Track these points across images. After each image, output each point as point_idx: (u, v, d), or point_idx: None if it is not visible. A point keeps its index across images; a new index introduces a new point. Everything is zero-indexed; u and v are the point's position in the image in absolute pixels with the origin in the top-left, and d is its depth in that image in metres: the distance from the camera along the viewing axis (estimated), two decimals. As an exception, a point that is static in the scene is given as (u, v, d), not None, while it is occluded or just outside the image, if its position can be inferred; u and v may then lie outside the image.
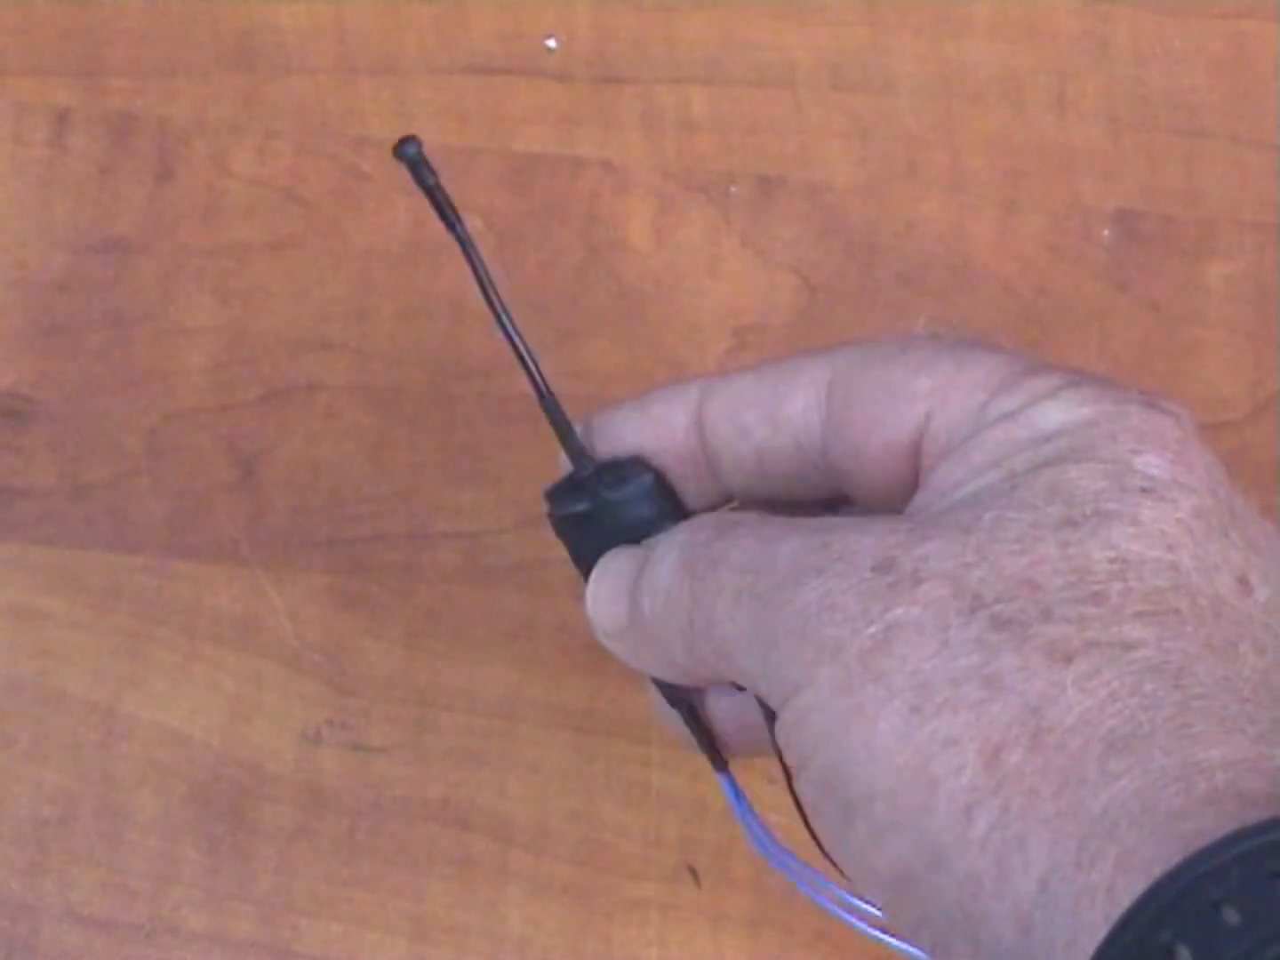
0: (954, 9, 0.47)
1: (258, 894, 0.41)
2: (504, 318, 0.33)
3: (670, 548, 0.30)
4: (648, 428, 0.33)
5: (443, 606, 0.43)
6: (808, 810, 0.27)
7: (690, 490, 0.33)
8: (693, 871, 0.42)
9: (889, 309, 0.45)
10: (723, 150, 0.46)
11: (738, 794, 0.33)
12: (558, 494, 0.34)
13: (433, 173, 0.32)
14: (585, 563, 0.33)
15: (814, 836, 0.28)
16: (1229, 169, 0.46)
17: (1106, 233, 0.46)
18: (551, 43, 0.47)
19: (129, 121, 0.46)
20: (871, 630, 0.26)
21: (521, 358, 0.33)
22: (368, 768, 0.42)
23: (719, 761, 0.34)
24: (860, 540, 0.27)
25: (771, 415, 0.31)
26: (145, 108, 0.46)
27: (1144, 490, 0.26)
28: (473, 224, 0.45)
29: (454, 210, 0.32)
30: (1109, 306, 0.45)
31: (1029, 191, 0.46)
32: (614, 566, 0.32)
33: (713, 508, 0.33)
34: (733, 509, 0.33)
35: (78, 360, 0.45)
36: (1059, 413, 0.28)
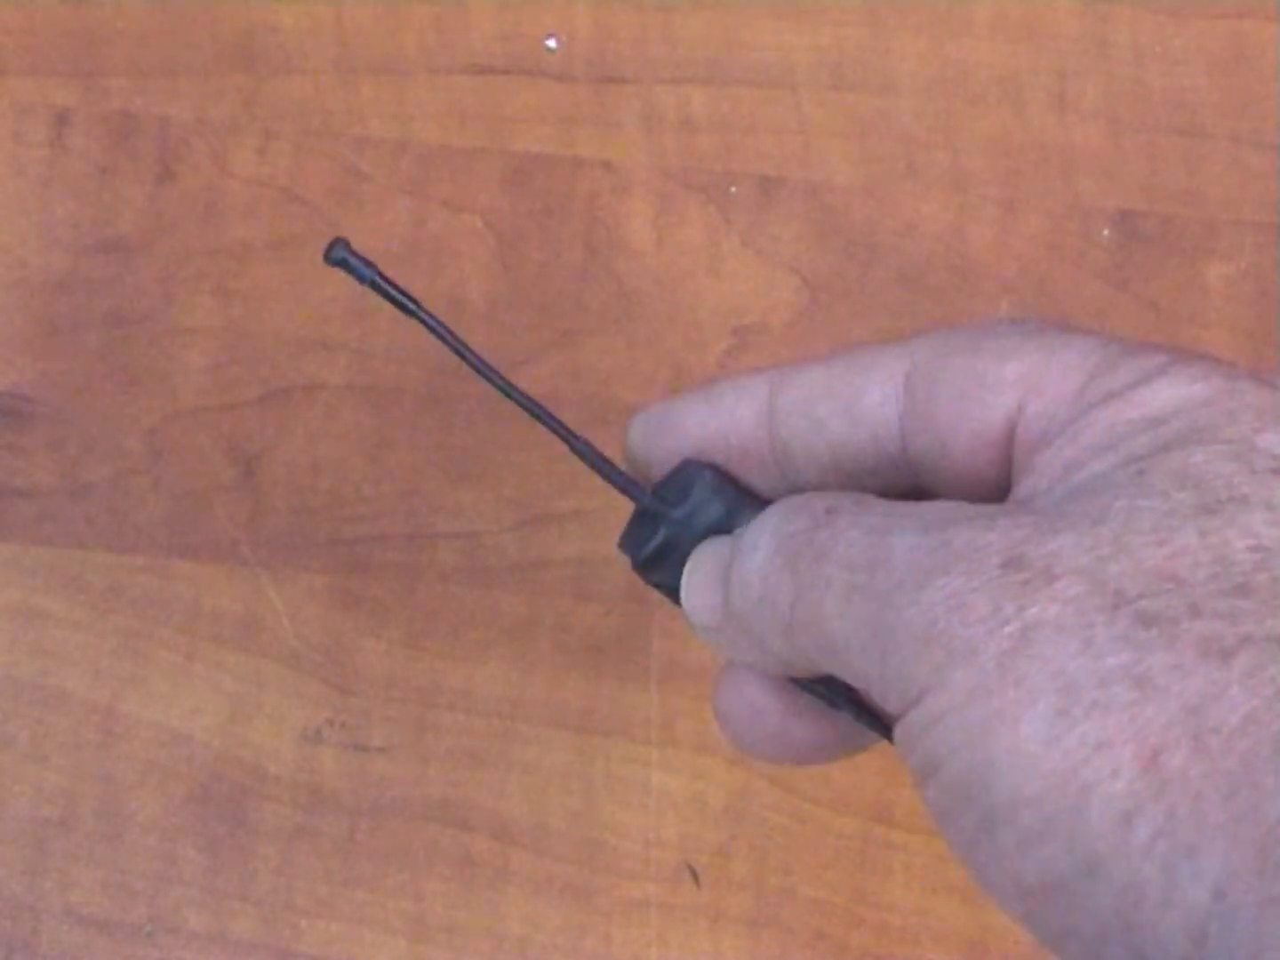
0: (954, 9, 0.47)
1: (258, 894, 0.41)
2: (499, 381, 0.32)
3: (761, 535, 0.29)
4: (713, 420, 0.31)
5: (443, 606, 0.43)
6: (937, 816, 0.26)
7: (758, 486, 0.32)
8: (693, 871, 0.42)
9: (889, 309, 0.45)
10: (723, 150, 0.46)
11: None
12: (629, 538, 0.32)
13: (369, 265, 0.31)
14: None
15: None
16: (1229, 169, 0.46)
17: (1106, 233, 0.46)
18: (551, 43, 0.47)
19: (129, 121, 0.46)
20: (1008, 630, 0.24)
21: (538, 415, 0.32)
22: (368, 768, 0.42)
23: (886, 731, 0.31)
24: (984, 536, 0.25)
25: (848, 408, 0.30)
26: (145, 108, 0.46)
27: (1274, 471, 0.25)
28: (473, 224, 0.46)
29: (407, 295, 0.31)
30: (1109, 306, 0.45)
31: (1029, 191, 0.46)
32: (705, 557, 0.31)
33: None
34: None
35: (78, 360, 0.45)
36: (1172, 390, 0.26)
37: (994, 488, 0.29)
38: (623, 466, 0.33)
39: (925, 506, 0.27)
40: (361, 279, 0.31)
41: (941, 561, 0.25)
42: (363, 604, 0.43)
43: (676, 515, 0.31)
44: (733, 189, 0.46)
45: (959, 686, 0.25)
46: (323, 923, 0.41)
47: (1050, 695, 0.24)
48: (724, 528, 0.31)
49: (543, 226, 0.45)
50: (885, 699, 0.26)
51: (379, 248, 0.45)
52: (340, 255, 0.31)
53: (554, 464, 0.43)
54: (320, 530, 0.43)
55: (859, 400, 0.30)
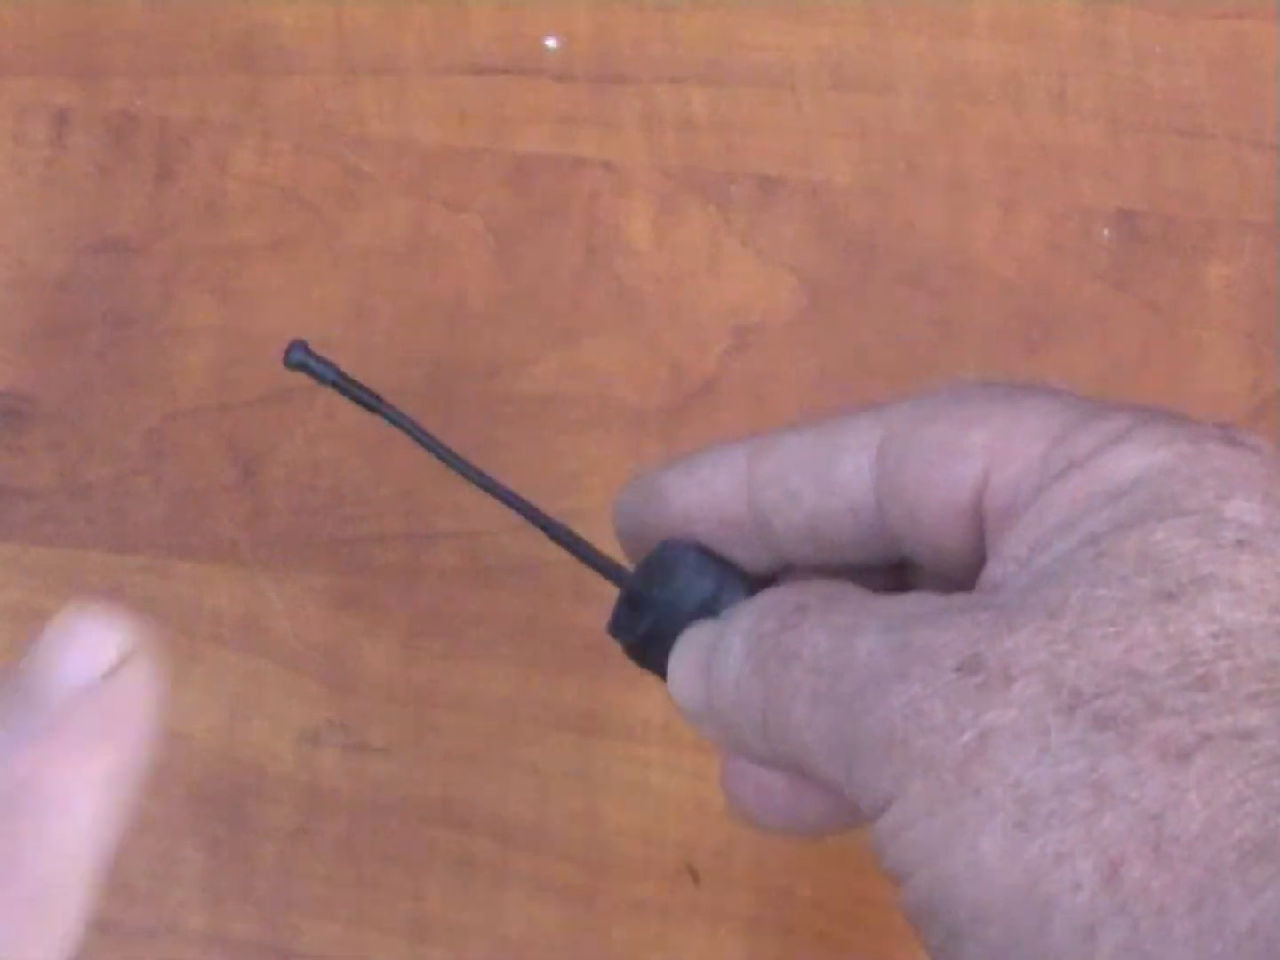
0: (954, 9, 0.47)
1: (258, 894, 0.41)
2: (473, 473, 0.32)
3: (734, 637, 0.28)
4: (693, 492, 0.31)
5: (443, 606, 0.43)
6: (911, 924, 0.26)
7: (743, 558, 0.31)
8: (693, 871, 0.42)
9: (889, 309, 0.45)
10: (723, 150, 0.46)
11: None
12: (617, 624, 0.32)
13: (329, 365, 0.31)
14: None
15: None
16: (1229, 169, 0.46)
17: (1106, 233, 0.46)
18: (551, 43, 0.47)
19: (129, 121, 0.46)
20: (964, 739, 0.24)
21: (515, 505, 0.32)
22: (367, 768, 0.42)
23: None
24: (940, 636, 0.25)
25: (822, 478, 0.29)
26: (145, 108, 0.46)
27: (1239, 543, 0.24)
28: (473, 224, 0.46)
29: (369, 392, 0.31)
30: (1109, 306, 0.45)
31: (1029, 191, 0.46)
32: (689, 647, 0.30)
33: (770, 573, 0.31)
34: (792, 582, 0.31)
35: (78, 360, 0.45)
36: (1133, 459, 0.25)
37: (969, 556, 0.28)
38: (615, 535, 0.32)
39: (892, 601, 0.27)
40: (324, 380, 0.31)
41: (900, 665, 0.25)
42: (363, 604, 0.43)
43: (661, 598, 0.31)
44: (733, 189, 0.46)
45: (919, 798, 0.24)
46: (323, 923, 0.41)
47: (1009, 806, 0.23)
48: (710, 607, 0.30)
49: (543, 226, 0.45)
50: (858, 804, 0.26)
51: (379, 248, 0.45)
52: (298, 358, 0.31)
53: (554, 464, 0.43)
54: (320, 530, 0.43)
55: (832, 471, 0.29)
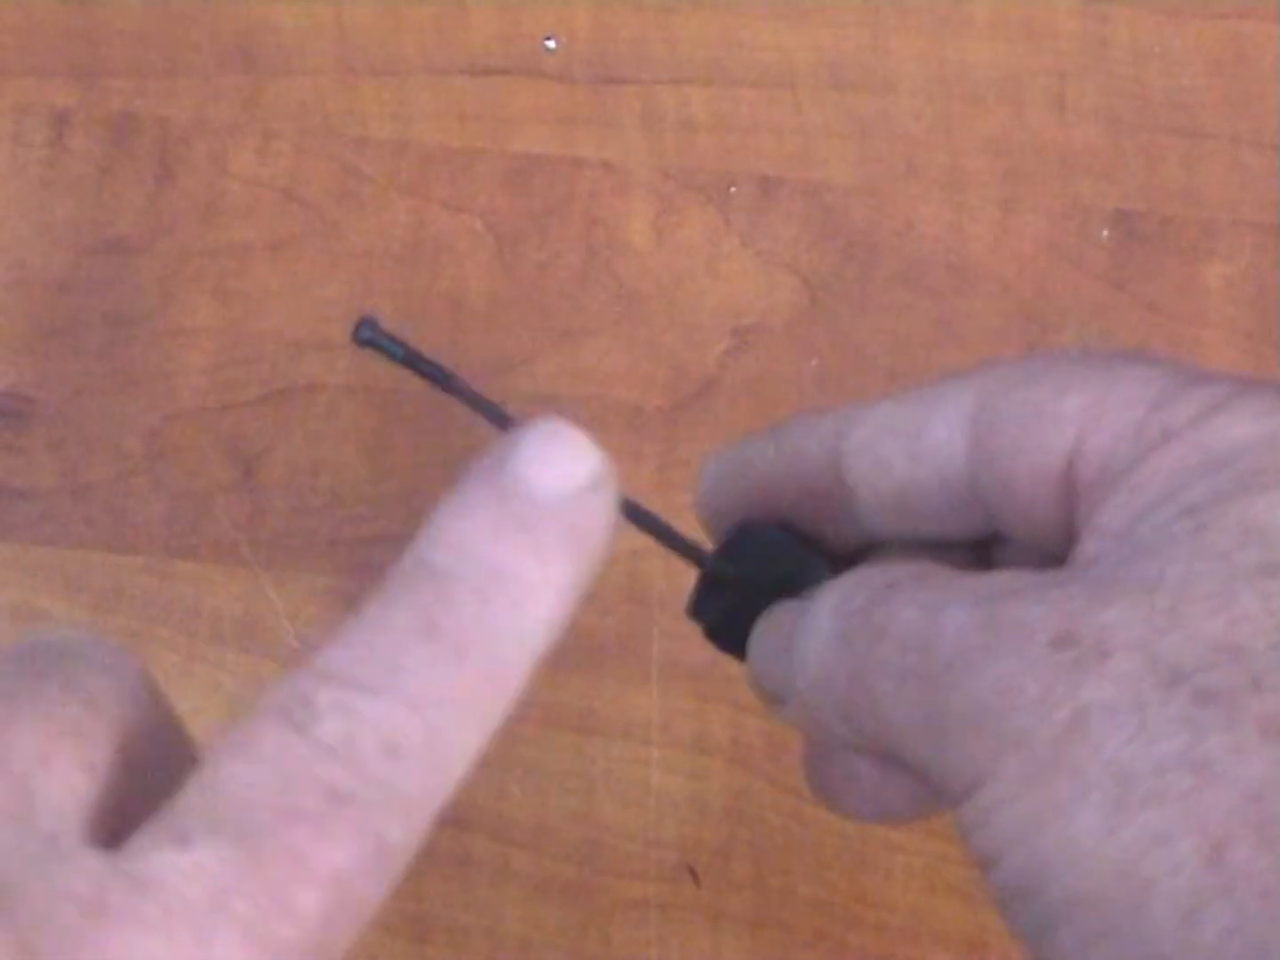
0: (954, 9, 0.47)
1: (258, 894, 0.41)
2: None
3: (820, 616, 0.27)
4: (780, 462, 0.30)
5: (443, 606, 0.43)
6: (1000, 908, 0.25)
7: (828, 534, 0.30)
8: (693, 871, 0.42)
9: (889, 309, 0.45)
10: (723, 150, 0.46)
11: None
12: (698, 604, 0.31)
13: (399, 343, 0.29)
14: None
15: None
16: (1229, 169, 0.46)
17: (1106, 233, 0.46)
18: (551, 43, 0.47)
19: (129, 121, 0.46)
20: (1059, 716, 0.23)
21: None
22: (368, 768, 0.42)
23: None
24: (1031, 611, 0.24)
25: (913, 446, 0.28)
26: (145, 108, 0.46)
27: None
28: (472, 224, 0.46)
29: (441, 369, 0.30)
30: (1108, 307, 0.45)
31: (1029, 191, 0.46)
32: (769, 628, 0.29)
33: (854, 552, 0.30)
34: (883, 559, 0.30)
35: (78, 360, 0.45)
36: (1234, 429, 0.25)
37: (1059, 529, 0.27)
38: (696, 509, 0.31)
39: (981, 578, 0.26)
40: (393, 357, 0.30)
41: (989, 640, 0.24)
42: (363, 604, 0.43)
43: (742, 578, 0.30)
44: (733, 189, 0.46)
45: (1011, 777, 0.23)
46: (323, 923, 0.41)
47: (1106, 785, 0.22)
48: (792, 587, 0.30)
49: (543, 226, 0.45)
50: (944, 788, 0.25)
51: (379, 248, 0.45)
52: (368, 335, 0.29)
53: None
54: (320, 530, 0.43)
55: (923, 438, 0.28)
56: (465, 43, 0.47)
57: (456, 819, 0.42)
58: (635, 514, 0.30)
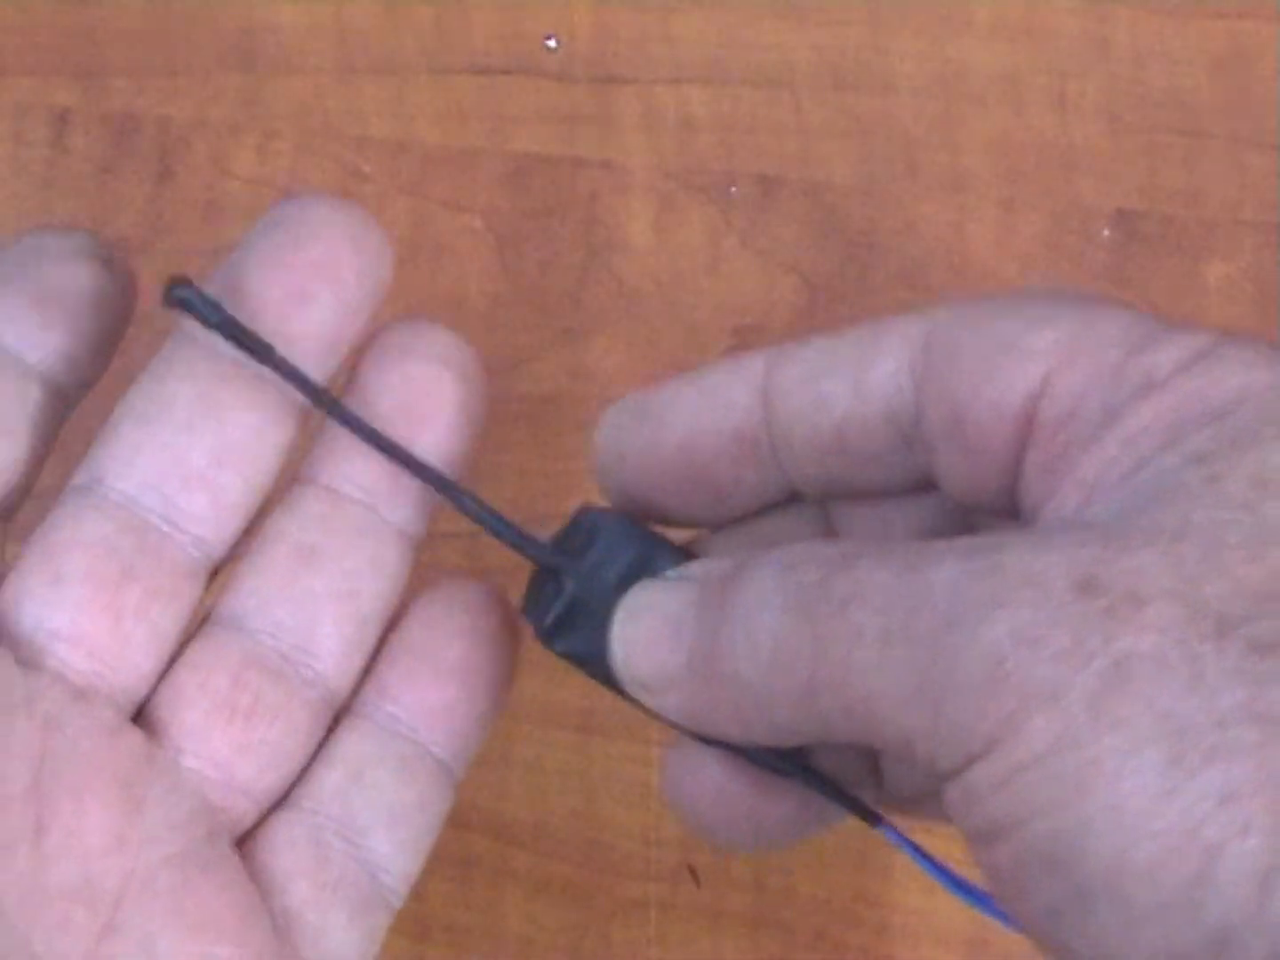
0: (954, 9, 0.47)
1: (258, 894, 0.41)
2: (366, 429, 0.29)
3: (763, 592, 0.25)
4: (698, 405, 0.28)
5: (443, 606, 0.43)
6: (1006, 885, 0.23)
7: (749, 482, 0.28)
8: (693, 871, 0.42)
9: (889, 309, 0.45)
10: (723, 150, 0.46)
11: (913, 848, 0.28)
12: (530, 602, 0.29)
13: (215, 305, 0.27)
14: (605, 661, 0.27)
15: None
16: (1229, 169, 0.46)
17: (1106, 232, 0.46)
18: (551, 43, 0.47)
19: (129, 121, 0.46)
20: (1097, 665, 0.21)
21: (402, 460, 0.29)
22: (368, 768, 0.42)
23: (872, 816, 0.28)
24: (1041, 558, 0.22)
25: (857, 381, 0.26)
26: (145, 108, 0.46)
27: None
28: (472, 224, 0.46)
29: (259, 340, 0.28)
30: (1109, 306, 0.45)
31: (1029, 191, 0.46)
32: (649, 603, 0.27)
33: (765, 507, 0.29)
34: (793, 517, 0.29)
35: (78, 360, 0.45)
36: (1231, 378, 0.23)
37: (1003, 475, 0.26)
38: (597, 473, 0.30)
39: (959, 538, 0.24)
40: (207, 322, 0.28)
41: (995, 590, 0.22)
42: (363, 604, 0.43)
43: (582, 568, 0.28)
44: (733, 189, 0.46)
45: (1040, 735, 0.21)
46: (323, 923, 0.41)
47: (1159, 741, 0.21)
48: (642, 576, 0.27)
49: (543, 226, 0.45)
50: (936, 759, 0.23)
51: (379, 248, 0.45)
52: (182, 294, 0.28)
53: (554, 464, 0.43)
54: (320, 530, 0.43)
55: (870, 370, 0.26)
56: (465, 42, 0.47)
57: (456, 819, 0.42)
58: (458, 498, 0.29)
